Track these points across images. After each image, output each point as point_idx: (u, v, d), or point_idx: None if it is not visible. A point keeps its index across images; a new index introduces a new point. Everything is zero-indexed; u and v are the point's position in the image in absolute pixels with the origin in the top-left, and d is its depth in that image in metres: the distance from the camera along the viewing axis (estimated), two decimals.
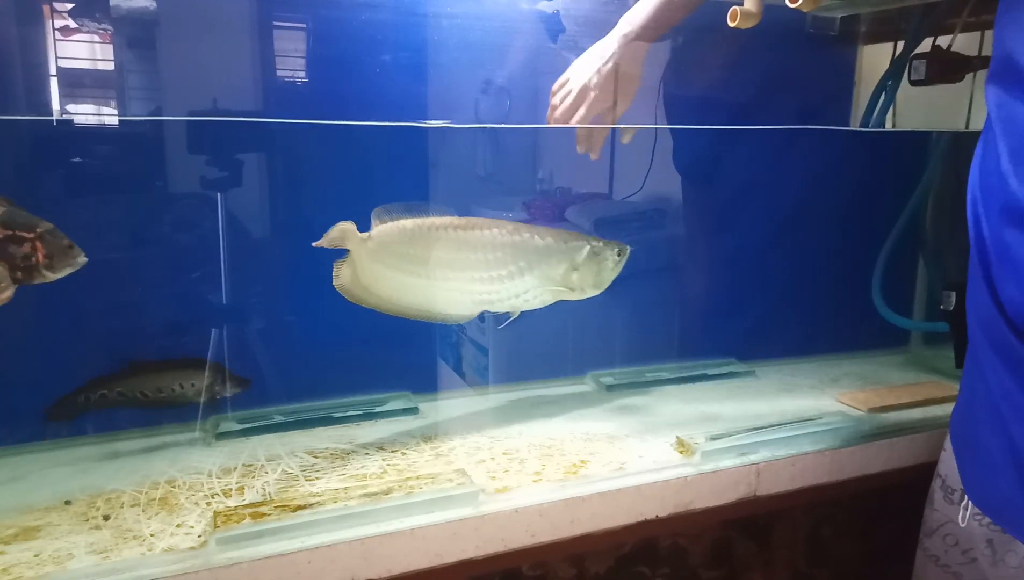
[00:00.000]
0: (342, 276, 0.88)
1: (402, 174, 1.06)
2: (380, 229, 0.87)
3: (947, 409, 0.85)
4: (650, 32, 0.99)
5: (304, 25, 1.00)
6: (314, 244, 0.85)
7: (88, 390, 0.84)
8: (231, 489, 0.76)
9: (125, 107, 0.92)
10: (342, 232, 0.85)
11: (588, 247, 0.92)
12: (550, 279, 0.91)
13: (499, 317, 0.95)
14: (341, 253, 0.87)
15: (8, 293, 0.63)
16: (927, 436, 0.95)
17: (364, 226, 0.88)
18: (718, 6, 0.96)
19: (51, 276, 0.69)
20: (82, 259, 0.69)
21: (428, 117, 1.06)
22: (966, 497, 0.78)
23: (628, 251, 0.94)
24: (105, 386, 0.84)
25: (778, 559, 0.95)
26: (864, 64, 1.33)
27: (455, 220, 0.88)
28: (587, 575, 0.84)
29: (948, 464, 0.83)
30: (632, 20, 1.00)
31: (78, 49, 0.87)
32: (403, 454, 0.86)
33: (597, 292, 0.94)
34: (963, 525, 0.79)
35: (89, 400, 0.84)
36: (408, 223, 0.87)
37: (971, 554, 0.78)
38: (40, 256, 0.67)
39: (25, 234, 0.66)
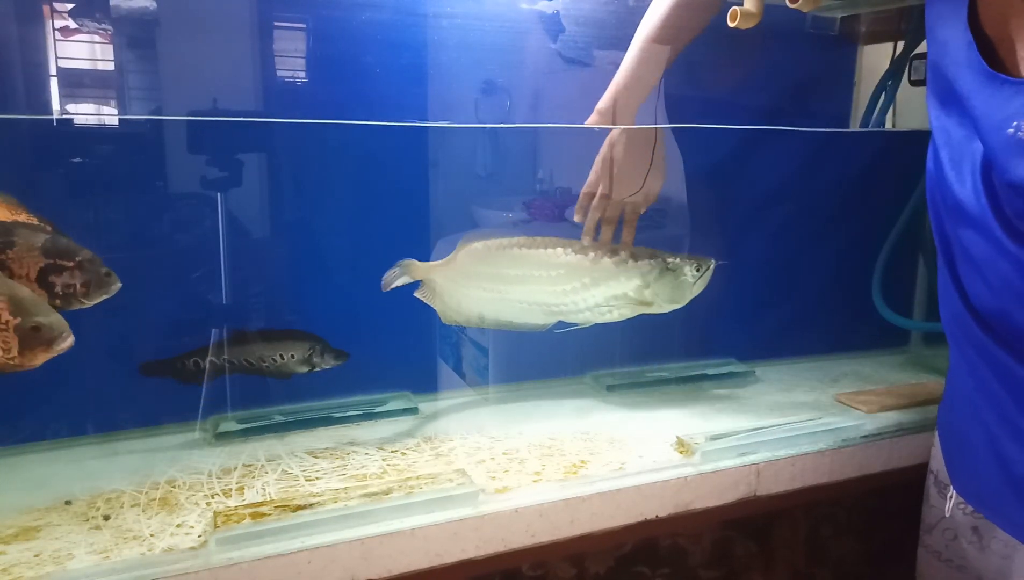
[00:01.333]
0: (438, 307, 0.96)
1: (402, 174, 1.06)
2: (458, 256, 0.94)
3: None
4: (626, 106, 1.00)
5: (304, 25, 1.00)
6: (385, 289, 0.92)
7: (197, 355, 0.86)
8: (231, 489, 0.76)
9: (125, 107, 0.92)
10: (406, 267, 0.93)
11: (660, 264, 0.95)
12: (622, 294, 0.95)
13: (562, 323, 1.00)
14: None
15: (69, 341, 0.64)
16: (927, 436, 0.95)
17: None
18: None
19: (87, 303, 0.70)
20: (117, 286, 0.70)
21: (428, 117, 1.06)
22: (950, 488, 0.80)
23: (711, 266, 0.97)
24: (214, 353, 0.87)
25: (778, 559, 0.95)
26: (864, 64, 1.33)
27: (522, 239, 0.95)
28: (587, 575, 0.84)
29: (939, 460, 0.84)
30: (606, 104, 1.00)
31: (78, 49, 0.87)
32: (403, 454, 0.86)
33: (675, 307, 0.98)
34: (948, 515, 0.80)
35: (198, 366, 0.86)
36: (478, 245, 0.94)
37: (960, 542, 0.79)
38: (78, 284, 0.68)
39: (66, 263, 0.67)
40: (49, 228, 0.70)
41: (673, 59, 1.00)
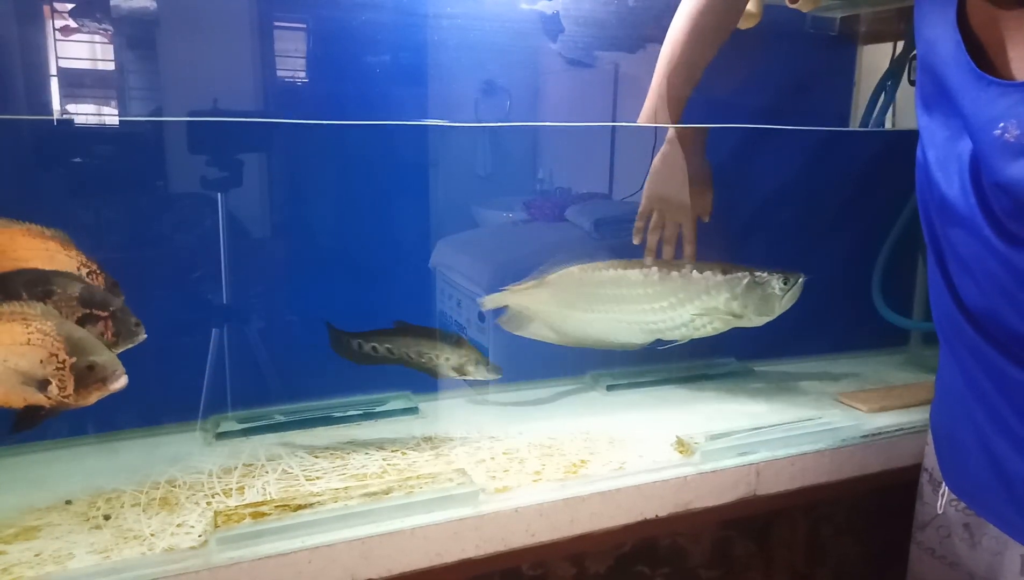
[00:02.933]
0: (526, 327, 1.02)
1: (403, 174, 1.06)
2: (553, 277, 1.00)
3: None
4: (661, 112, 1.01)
5: (304, 25, 1.00)
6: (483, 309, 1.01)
7: (362, 338, 0.89)
8: (231, 489, 0.77)
9: (126, 107, 0.92)
10: (496, 301, 1.01)
11: (748, 278, 0.99)
12: (713, 309, 0.99)
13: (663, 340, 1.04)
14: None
15: (123, 380, 0.66)
16: (926, 436, 0.95)
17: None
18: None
19: (115, 351, 0.71)
20: (143, 336, 0.73)
21: (428, 117, 1.06)
22: (943, 485, 0.80)
23: (799, 280, 1.00)
24: (376, 339, 0.89)
25: (777, 559, 0.95)
26: (864, 64, 1.33)
27: (617, 262, 1.00)
28: (587, 574, 0.84)
29: (932, 457, 0.84)
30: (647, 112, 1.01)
31: (78, 49, 0.87)
32: (403, 454, 0.86)
33: (765, 320, 1.01)
34: (940, 512, 0.80)
35: (360, 347, 0.89)
36: (575, 269, 1.00)
37: (953, 539, 0.80)
38: (110, 334, 0.70)
39: (100, 313, 0.69)
40: (95, 266, 0.73)
41: (704, 67, 0.99)
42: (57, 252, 0.71)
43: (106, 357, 0.65)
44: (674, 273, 0.99)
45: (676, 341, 1.03)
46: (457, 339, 0.91)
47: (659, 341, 1.04)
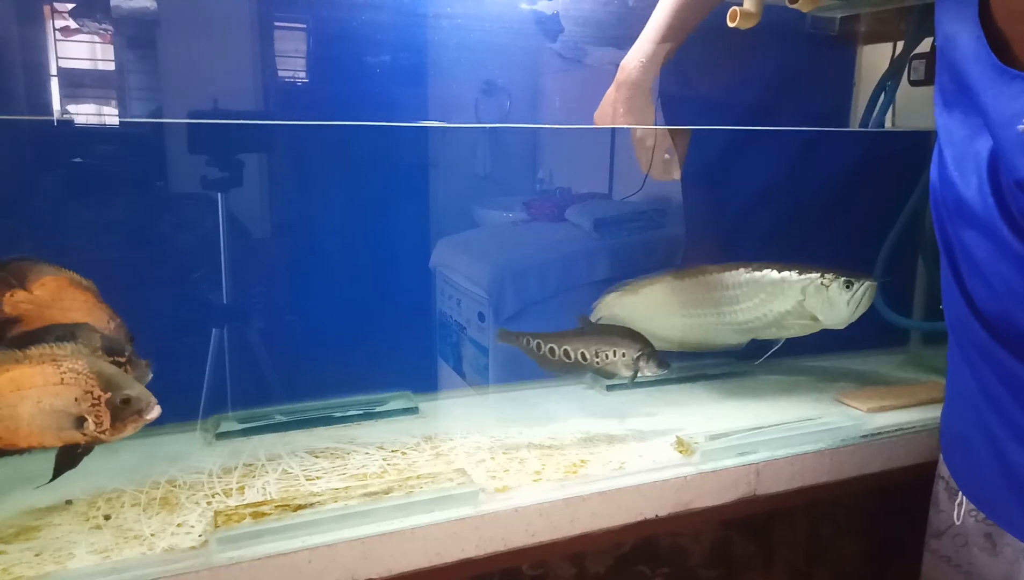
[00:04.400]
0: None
1: (403, 174, 1.06)
2: (645, 290, 1.03)
3: None
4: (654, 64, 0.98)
5: (304, 26, 1.01)
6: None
7: (538, 338, 0.90)
8: (232, 489, 0.77)
9: (126, 107, 0.93)
10: (598, 311, 1.06)
11: (815, 280, 0.99)
12: (790, 310, 1.00)
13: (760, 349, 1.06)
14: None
15: (157, 410, 0.67)
16: (926, 436, 0.95)
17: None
18: (717, 6, 0.96)
19: None
20: (150, 375, 0.75)
21: (428, 117, 1.06)
22: (960, 494, 0.79)
23: (865, 286, 0.99)
24: (554, 341, 0.90)
25: (777, 559, 0.95)
26: (864, 64, 1.33)
27: (708, 266, 1.03)
28: (587, 574, 0.84)
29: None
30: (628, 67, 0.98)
31: (79, 49, 0.88)
32: (403, 454, 0.86)
33: (837, 322, 1.00)
34: (959, 522, 0.79)
35: (538, 347, 0.90)
36: (669, 277, 1.03)
37: (971, 549, 0.79)
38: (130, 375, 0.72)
39: (120, 358, 0.72)
40: (119, 319, 0.75)
41: (702, 18, 0.98)
42: (93, 305, 0.73)
43: (139, 390, 0.67)
44: (756, 274, 1.01)
45: (778, 342, 1.04)
46: (631, 333, 0.90)
47: (754, 341, 1.05)
